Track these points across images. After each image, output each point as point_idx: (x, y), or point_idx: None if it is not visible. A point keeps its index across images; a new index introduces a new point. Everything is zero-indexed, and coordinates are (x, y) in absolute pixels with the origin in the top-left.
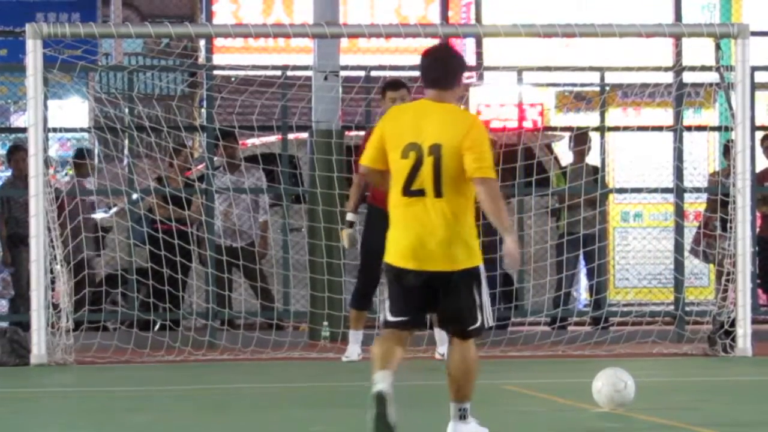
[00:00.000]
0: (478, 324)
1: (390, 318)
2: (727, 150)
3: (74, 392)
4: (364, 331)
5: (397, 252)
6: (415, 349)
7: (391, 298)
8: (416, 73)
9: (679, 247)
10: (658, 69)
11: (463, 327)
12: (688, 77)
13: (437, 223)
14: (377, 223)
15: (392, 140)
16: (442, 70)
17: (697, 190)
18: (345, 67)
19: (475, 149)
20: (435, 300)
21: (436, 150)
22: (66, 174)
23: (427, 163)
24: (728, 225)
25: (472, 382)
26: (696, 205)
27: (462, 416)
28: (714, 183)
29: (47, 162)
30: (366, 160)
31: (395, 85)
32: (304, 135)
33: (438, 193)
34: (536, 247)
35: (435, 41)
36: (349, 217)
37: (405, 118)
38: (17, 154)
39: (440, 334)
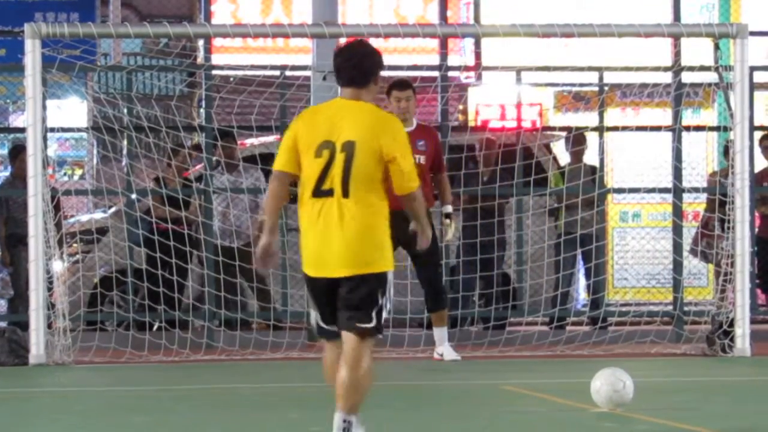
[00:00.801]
0: (372, 324)
1: (324, 326)
2: (726, 150)
3: (73, 392)
4: None
5: (306, 259)
6: (413, 349)
7: (316, 308)
8: (416, 74)
9: (677, 248)
10: (656, 69)
11: (356, 321)
12: (686, 77)
13: (343, 225)
14: None
15: (306, 141)
16: (358, 69)
17: (695, 190)
18: None
19: (397, 162)
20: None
21: (349, 147)
22: (65, 174)
23: (338, 160)
24: (725, 225)
25: (363, 393)
26: (695, 205)
27: (345, 429)
28: (713, 183)
29: (44, 162)
30: (279, 164)
31: (401, 85)
32: None
33: (345, 193)
34: (535, 246)
35: (434, 41)
36: None
37: (319, 118)
38: (20, 154)
39: (439, 334)
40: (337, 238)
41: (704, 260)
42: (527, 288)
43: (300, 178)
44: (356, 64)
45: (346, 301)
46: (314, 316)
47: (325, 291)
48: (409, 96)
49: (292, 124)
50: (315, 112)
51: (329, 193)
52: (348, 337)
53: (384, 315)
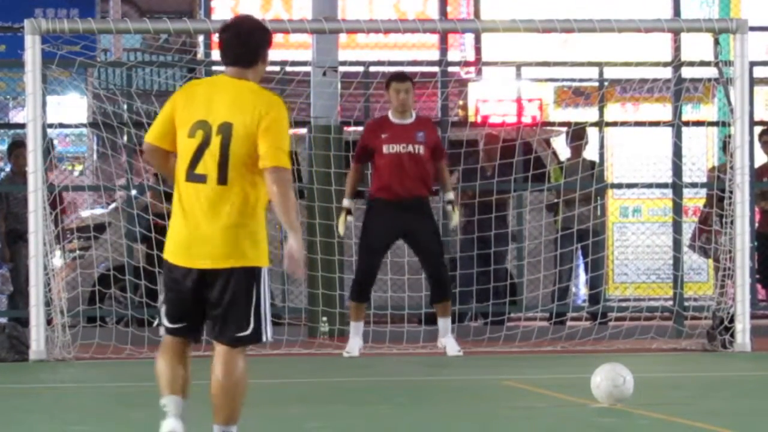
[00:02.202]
0: (249, 331)
1: (167, 323)
2: (725, 145)
3: (73, 388)
4: (363, 327)
5: (171, 246)
6: (413, 345)
7: (168, 300)
8: (416, 69)
9: (677, 244)
10: (656, 64)
11: (231, 332)
12: (686, 72)
13: (217, 214)
14: (376, 216)
15: (182, 116)
16: (244, 46)
17: (694, 185)
18: (344, 63)
19: (270, 134)
20: (210, 300)
21: (225, 129)
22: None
23: (214, 143)
24: (723, 220)
25: (239, 401)
26: (695, 200)
27: None
28: (713, 179)
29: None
30: (150, 136)
31: (400, 77)
32: (303, 131)
33: (222, 180)
34: (535, 242)
35: (434, 37)
36: (345, 203)
37: (198, 92)
38: (17, 149)
39: (443, 324)
40: (208, 228)
41: (703, 255)
42: (525, 283)
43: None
44: (244, 41)
45: (217, 300)
46: (163, 311)
47: (186, 283)
48: (408, 88)
49: (172, 96)
50: (195, 86)
51: (202, 178)
52: (219, 345)
53: (264, 317)
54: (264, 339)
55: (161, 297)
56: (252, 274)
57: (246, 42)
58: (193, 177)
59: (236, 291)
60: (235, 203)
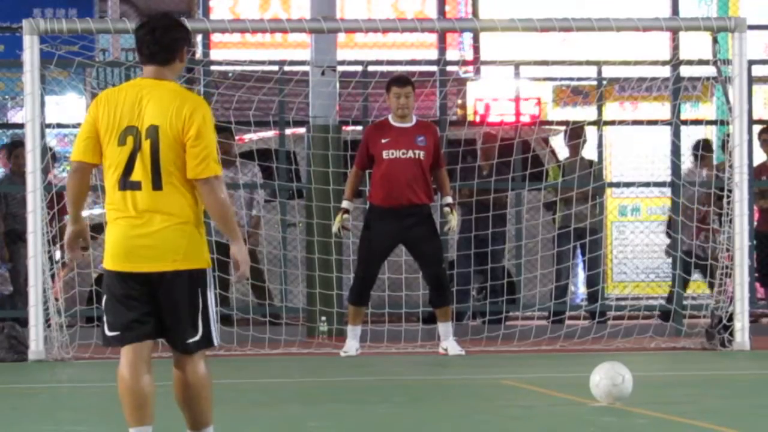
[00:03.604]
0: (198, 337)
1: (109, 333)
2: (724, 144)
3: (72, 388)
4: (361, 327)
5: (110, 253)
6: (411, 344)
7: (107, 309)
8: (415, 68)
9: (675, 243)
10: (655, 63)
11: (181, 338)
12: (685, 71)
13: (155, 219)
14: (375, 222)
15: (106, 126)
16: (160, 43)
17: (691, 184)
18: (342, 62)
19: (198, 143)
20: (156, 307)
21: (153, 133)
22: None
23: (145, 147)
24: (720, 218)
25: (208, 403)
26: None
27: None
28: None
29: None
30: (78, 154)
31: (401, 81)
32: (302, 130)
33: (157, 185)
34: (533, 240)
35: (432, 36)
36: (344, 204)
37: (120, 100)
38: (15, 149)
39: (444, 328)
40: (149, 231)
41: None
42: (522, 281)
43: (103, 168)
44: (158, 39)
45: (165, 304)
46: (107, 324)
47: (131, 288)
48: (408, 93)
49: (91, 108)
50: (115, 93)
51: (137, 185)
52: (176, 354)
53: (213, 319)
54: (215, 343)
55: (106, 309)
56: (193, 277)
57: (161, 39)
58: (127, 185)
59: (178, 295)
60: (170, 206)
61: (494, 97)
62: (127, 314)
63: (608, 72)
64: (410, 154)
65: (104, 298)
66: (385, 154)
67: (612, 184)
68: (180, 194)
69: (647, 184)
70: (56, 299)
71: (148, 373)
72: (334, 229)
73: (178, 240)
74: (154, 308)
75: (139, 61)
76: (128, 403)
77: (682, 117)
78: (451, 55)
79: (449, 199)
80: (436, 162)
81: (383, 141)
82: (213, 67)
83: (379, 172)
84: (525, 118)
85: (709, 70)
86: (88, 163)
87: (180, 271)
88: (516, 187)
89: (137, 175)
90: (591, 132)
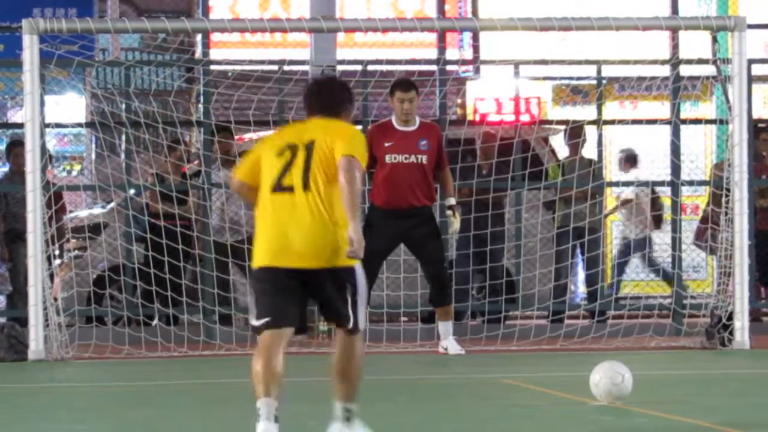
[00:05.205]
0: (350, 325)
1: (255, 322)
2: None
3: (72, 388)
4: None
5: (265, 251)
6: (411, 344)
7: (258, 302)
8: (414, 68)
9: (675, 242)
10: (654, 62)
11: (341, 323)
12: (684, 70)
13: (304, 219)
14: (377, 222)
15: (271, 146)
16: (330, 101)
17: (690, 183)
18: (342, 62)
19: (346, 139)
20: (306, 298)
21: (309, 144)
22: (63, 169)
23: (300, 157)
24: (721, 217)
25: (359, 379)
26: (694, 198)
27: (347, 418)
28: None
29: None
30: (239, 174)
31: (405, 85)
32: None
33: (306, 186)
34: (534, 239)
35: (432, 35)
36: None
37: (290, 129)
38: (15, 149)
39: (445, 328)
40: (301, 229)
41: (712, 254)
42: (521, 281)
43: (260, 182)
44: (328, 96)
45: (320, 299)
46: (255, 314)
47: (284, 283)
48: (412, 98)
49: (260, 143)
50: (287, 126)
51: (290, 189)
52: (340, 334)
53: (361, 309)
54: (361, 328)
55: (250, 299)
56: (350, 273)
57: (330, 97)
58: (280, 188)
59: (329, 289)
60: (318, 206)
61: (497, 97)
62: (279, 306)
63: (608, 71)
64: (413, 158)
65: (255, 292)
66: (387, 158)
67: (611, 184)
68: (329, 197)
69: (647, 184)
70: (54, 299)
71: (278, 356)
72: None
73: (327, 238)
74: (304, 299)
75: (308, 114)
76: (261, 379)
77: (682, 116)
78: (451, 54)
79: (452, 201)
80: (438, 163)
81: (386, 144)
82: (213, 67)
83: (382, 174)
84: (524, 117)
85: (709, 70)
86: (245, 182)
87: (331, 268)
88: (516, 187)
89: (289, 180)
90: (590, 131)
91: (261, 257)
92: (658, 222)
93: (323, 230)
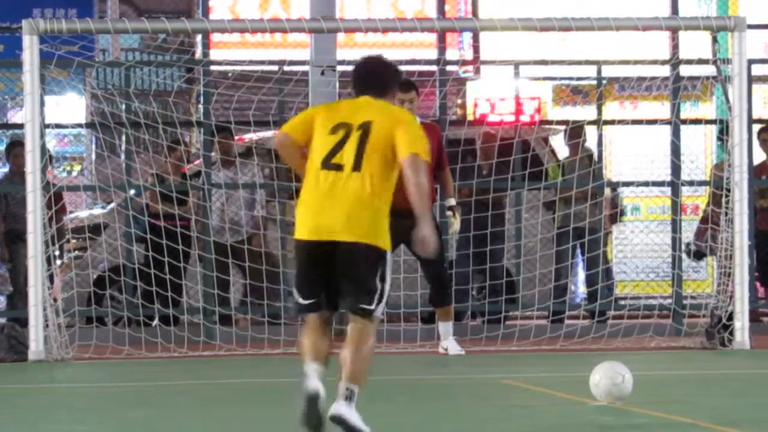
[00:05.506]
0: (372, 307)
1: (301, 301)
2: (720, 139)
3: (72, 388)
4: None
5: (302, 225)
6: (411, 344)
7: (299, 278)
8: (414, 68)
9: (675, 242)
10: (654, 62)
11: (356, 301)
12: (684, 70)
13: (348, 196)
14: None
15: (324, 120)
16: (379, 80)
17: (690, 183)
18: (342, 62)
19: (408, 131)
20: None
21: (365, 126)
22: (63, 170)
23: (354, 137)
24: (721, 217)
25: (368, 364)
26: (694, 198)
27: (348, 397)
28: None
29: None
30: (288, 127)
31: (405, 86)
32: None
33: (357, 167)
34: (534, 239)
35: (432, 35)
36: None
37: (343, 105)
38: (15, 149)
39: (445, 328)
40: (342, 206)
41: (712, 254)
42: (521, 281)
43: (308, 151)
44: (378, 75)
45: (346, 273)
46: (296, 293)
47: (318, 257)
48: (412, 98)
49: (315, 107)
50: (339, 103)
51: (339, 167)
52: (353, 318)
53: (383, 297)
54: (380, 316)
55: (294, 281)
56: (375, 251)
57: (380, 76)
58: (329, 165)
59: (360, 263)
60: (364, 188)
61: (497, 97)
62: (316, 286)
63: (608, 71)
64: None
65: (296, 268)
66: None
67: (611, 184)
68: (376, 180)
69: (647, 184)
70: (54, 300)
71: (325, 336)
72: None
73: (366, 218)
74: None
75: (356, 92)
76: (307, 350)
77: (682, 116)
78: (451, 54)
79: (452, 201)
80: (439, 164)
81: None
82: (213, 67)
83: None
84: (525, 118)
85: (709, 70)
86: (291, 136)
87: (364, 243)
88: (516, 187)
89: (339, 158)
90: (591, 131)
91: (300, 229)
92: (614, 219)
93: (364, 209)
